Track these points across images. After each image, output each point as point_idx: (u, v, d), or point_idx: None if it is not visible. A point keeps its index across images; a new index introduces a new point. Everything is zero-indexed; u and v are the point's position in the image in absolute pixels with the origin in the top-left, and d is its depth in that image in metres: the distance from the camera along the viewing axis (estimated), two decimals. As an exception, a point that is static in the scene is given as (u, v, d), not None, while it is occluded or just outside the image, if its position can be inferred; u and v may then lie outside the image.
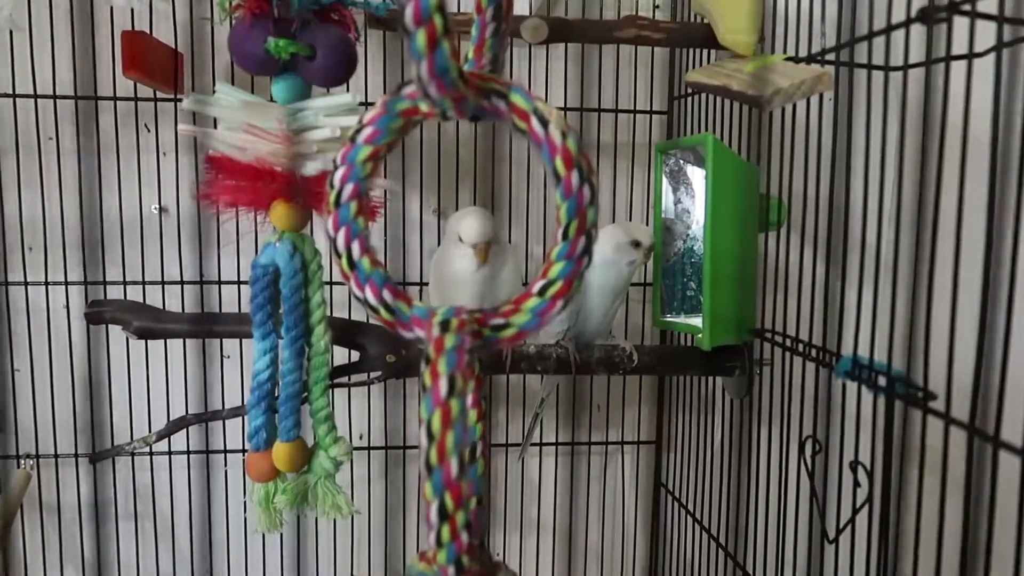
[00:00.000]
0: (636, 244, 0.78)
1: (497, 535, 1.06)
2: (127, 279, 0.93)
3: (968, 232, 0.46)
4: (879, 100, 0.56)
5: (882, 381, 0.55)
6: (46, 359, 0.94)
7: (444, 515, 0.34)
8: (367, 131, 0.49)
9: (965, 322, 0.47)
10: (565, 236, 0.47)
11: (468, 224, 0.74)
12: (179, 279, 0.94)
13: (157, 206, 0.94)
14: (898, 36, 0.54)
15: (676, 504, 1.01)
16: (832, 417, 0.63)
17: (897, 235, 0.55)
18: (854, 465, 0.59)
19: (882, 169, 0.55)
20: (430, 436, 0.38)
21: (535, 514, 1.07)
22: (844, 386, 0.61)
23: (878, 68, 0.56)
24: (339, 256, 0.50)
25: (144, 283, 0.93)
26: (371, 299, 0.50)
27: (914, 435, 0.52)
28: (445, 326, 0.43)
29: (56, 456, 0.95)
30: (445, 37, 0.37)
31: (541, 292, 0.48)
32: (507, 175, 0.99)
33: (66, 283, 0.92)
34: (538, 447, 1.05)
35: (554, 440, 1.05)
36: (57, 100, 0.90)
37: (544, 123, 0.45)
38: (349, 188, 0.50)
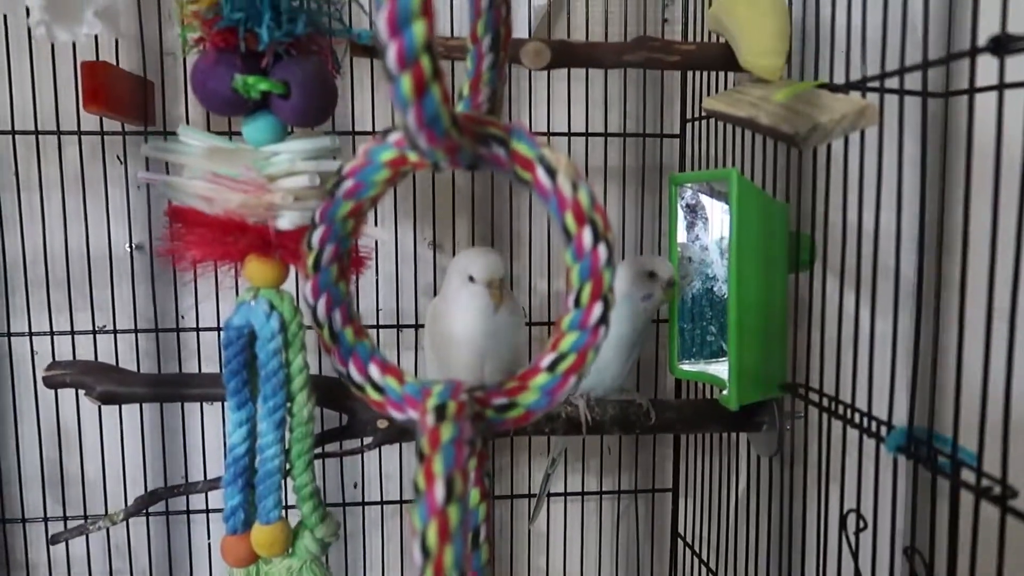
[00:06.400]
0: (652, 275, 0.70)
1: (503, 588, 0.98)
2: (96, 327, 0.85)
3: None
4: (935, 129, 0.49)
5: (945, 462, 0.48)
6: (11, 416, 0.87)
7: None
8: (348, 184, 0.41)
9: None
10: (577, 303, 0.39)
11: (481, 260, 0.68)
12: (153, 327, 0.86)
13: (130, 245, 0.87)
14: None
15: (694, 557, 0.93)
16: (880, 492, 0.56)
17: (964, 280, 0.47)
18: (910, 552, 0.52)
19: (941, 202, 0.48)
20: (425, 552, 0.30)
21: (543, 565, 0.99)
22: (896, 459, 0.54)
23: (935, 96, 0.49)
24: (320, 327, 0.42)
25: (116, 331, 0.86)
26: (356, 376, 0.42)
27: (988, 530, 0.45)
28: (441, 412, 0.35)
29: (24, 520, 0.87)
30: (435, 81, 0.30)
31: (551, 367, 0.40)
32: (507, 203, 0.92)
33: (30, 333, 0.85)
34: (547, 496, 0.97)
35: (563, 490, 0.97)
36: (16, 136, 0.82)
37: (551, 173, 0.37)
38: (329, 250, 0.42)
